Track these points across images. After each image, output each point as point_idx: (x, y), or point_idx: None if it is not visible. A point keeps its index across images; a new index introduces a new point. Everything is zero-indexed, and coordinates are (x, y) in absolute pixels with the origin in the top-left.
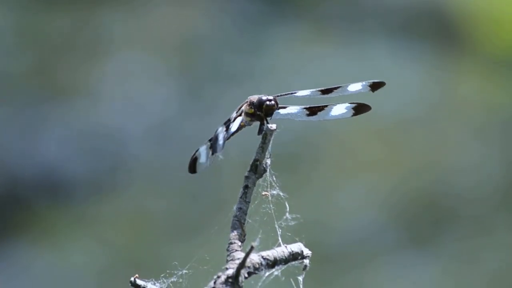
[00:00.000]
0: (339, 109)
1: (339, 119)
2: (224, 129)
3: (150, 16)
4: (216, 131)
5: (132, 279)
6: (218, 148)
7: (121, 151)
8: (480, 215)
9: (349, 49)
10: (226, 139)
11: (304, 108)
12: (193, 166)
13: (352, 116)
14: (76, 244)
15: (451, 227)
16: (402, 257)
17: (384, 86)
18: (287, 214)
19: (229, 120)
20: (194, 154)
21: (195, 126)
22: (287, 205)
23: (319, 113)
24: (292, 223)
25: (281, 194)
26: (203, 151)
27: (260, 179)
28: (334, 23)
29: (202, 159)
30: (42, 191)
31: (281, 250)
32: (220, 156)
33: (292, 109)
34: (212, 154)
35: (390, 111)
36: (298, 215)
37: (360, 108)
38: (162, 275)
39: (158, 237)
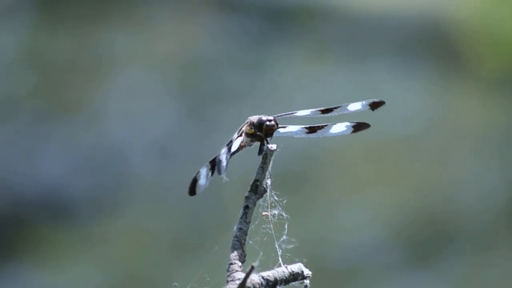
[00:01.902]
0: (339, 127)
1: (338, 136)
2: (227, 150)
3: (151, 35)
4: (219, 153)
5: None
6: (222, 170)
7: (123, 170)
8: (483, 233)
9: (350, 68)
10: (228, 160)
11: (304, 127)
12: (192, 189)
13: (352, 133)
14: (77, 264)
15: (454, 246)
16: (405, 276)
17: (386, 105)
18: (284, 236)
19: (231, 141)
20: (195, 177)
21: (197, 144)
22: (286, 227)
23: (318, 131)
24: (290, 246)
25: (284, 214)
26: (203, 172)
27: (261, 199)
28: (335, 42)
29: (202, 180)
30: (44, 211)
31: (282, 271)
32: (225, 178)
33: (292, 128)
34: (212, 174)
35: (391, 129)
36: (293, 239)
37: (359, 126)
38: None
39: (159, 257)
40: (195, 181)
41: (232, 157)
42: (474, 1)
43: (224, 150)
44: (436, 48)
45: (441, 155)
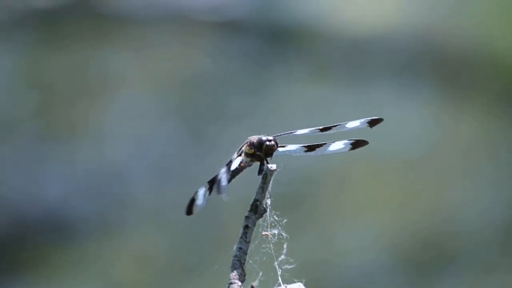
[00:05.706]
0: (337, 145)
1: (336, 153)
2: (227, 170)
3: (151, 56)
4: (219, 173)
5: None
6: (222, 189)
7: (124, 190)
8: (483, 255)
9: (350, 90)
10: (228, 180)
11: (303, 146)
12: (189, 208)
13: (350, 150)
14: (77, 283)
15: (454, 267)
16: None
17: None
18: (283, 256)
19: (230, 161)
20: (193, 196)
21: (197, 165)
22: (285, 246)
23: (317, 149)
24: (289, 266)
25: (284, 234)
26: (201, 192)
27: (260, 219)
28: (336, 64)
29: (199, 200)
30: (45, 230)
31: None
32: (225, 198)
33: (291, 147)
34: (209, 194)
35: (391, 151)
36: (293, 259)
37: (357, 143)
38: None
39: (160, 277)
40: (192, 201)
41: (233, 179)
42: (474, 22)
43: (223, 170)
44: (436, 69)
45: (440, 177)
